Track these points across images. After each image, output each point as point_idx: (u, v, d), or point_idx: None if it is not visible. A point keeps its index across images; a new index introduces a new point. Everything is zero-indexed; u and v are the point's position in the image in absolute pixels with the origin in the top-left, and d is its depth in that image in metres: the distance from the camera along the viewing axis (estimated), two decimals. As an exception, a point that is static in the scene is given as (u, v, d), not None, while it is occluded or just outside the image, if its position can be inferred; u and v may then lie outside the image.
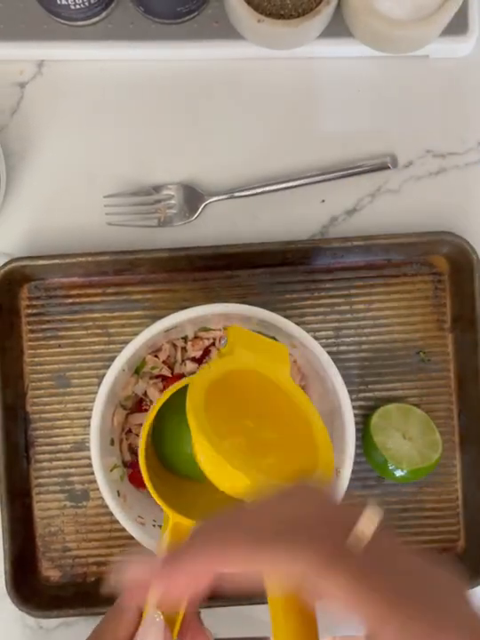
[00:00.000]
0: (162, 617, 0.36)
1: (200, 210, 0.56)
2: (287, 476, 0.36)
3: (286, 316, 0.49)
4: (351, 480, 0.49)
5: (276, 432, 0.40)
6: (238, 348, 0.40)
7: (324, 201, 0.57)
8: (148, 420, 0.45)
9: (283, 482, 0.34)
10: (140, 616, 0.36)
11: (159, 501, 0.44)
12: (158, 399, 0.46)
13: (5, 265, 0.53)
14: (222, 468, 0.35)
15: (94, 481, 0.48)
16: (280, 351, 0.42)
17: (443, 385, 0.56)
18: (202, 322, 0.52)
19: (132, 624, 0.36)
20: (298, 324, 0.49)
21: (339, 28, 0.54)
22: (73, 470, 0.55)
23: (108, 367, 0.48)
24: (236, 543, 0.30)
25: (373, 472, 0.55)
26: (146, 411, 0.54)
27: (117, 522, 0.48)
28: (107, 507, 0.48)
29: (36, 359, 0.56)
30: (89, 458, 0.48)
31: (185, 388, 0.41)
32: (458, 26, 0.55)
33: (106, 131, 0.57)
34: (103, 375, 0.48)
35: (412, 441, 0.53)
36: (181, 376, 0.54)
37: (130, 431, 0.53)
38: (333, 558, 0.29)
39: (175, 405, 0.45)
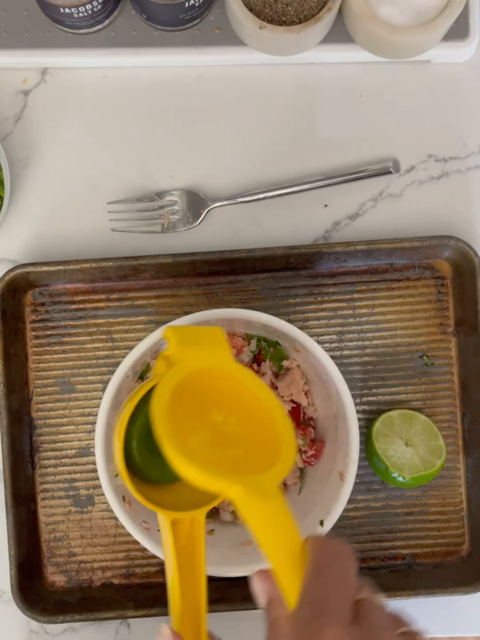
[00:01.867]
0: None
1: (203, 215, 0.56)
2: (252, 468, 0.37)
3: (290, 321, 0.49)
4: (356, 484, 0.49)
5: (240, 423, 0.40)
6: (185, 352, 0.40)
7: (326, 206, 0.57)
8: (120, 428, 0.43)
9: (250, 474, 0.36)
10: None
11: (152, 507, 0.43)
12: (127, 405, 0.43)
13: (9, 271, 0.54)
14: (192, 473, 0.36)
15: (99, 486, 0.49)
16: (217, 336, 0.42)
17: (446, 388, 0.56)
18: (205, 327, 0.53)
19: None
20: (301, 328, 0.49)
21: (340, 34, 0.55)
22: (78, 476, 0.56)
23: (112, 373, 0.49)
24: None
25: (378, 476, 0.55)
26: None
27: (122, 527, 0.48)
28: (112, 512, 0.49)
29: (41, 365, 0.56)
30: (94, 463, 0.49)
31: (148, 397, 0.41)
32: (459, 31, 0.55)
33: (109, 137, 0.57)
34: (108, 381, 0.49)
35: (414, 447, 0.53)
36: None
37: (134, 436, 0.54)
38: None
39: (137, 415, 0.43)
